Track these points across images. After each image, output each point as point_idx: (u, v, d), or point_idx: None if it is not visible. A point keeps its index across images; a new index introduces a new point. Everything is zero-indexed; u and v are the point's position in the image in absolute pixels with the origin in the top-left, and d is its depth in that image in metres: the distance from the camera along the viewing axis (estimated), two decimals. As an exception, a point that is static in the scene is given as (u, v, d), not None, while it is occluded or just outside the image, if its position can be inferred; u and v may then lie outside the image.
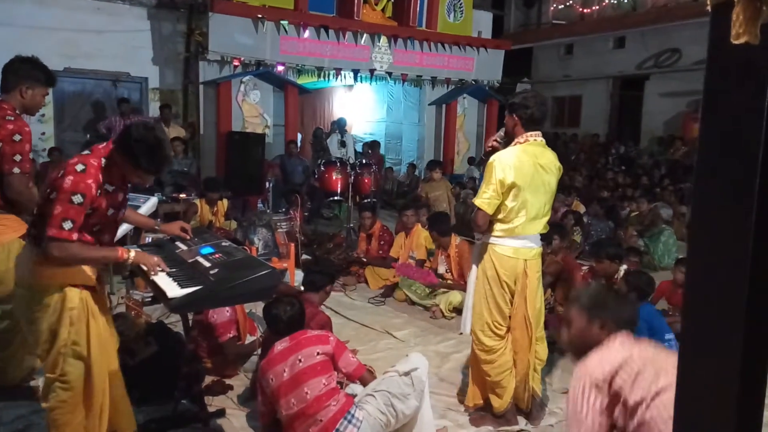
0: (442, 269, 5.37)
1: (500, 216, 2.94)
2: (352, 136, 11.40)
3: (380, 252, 6.12)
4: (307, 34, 9.45)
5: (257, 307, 4.09)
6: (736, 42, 0.53)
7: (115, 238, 3.73)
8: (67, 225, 2.17)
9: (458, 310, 4.97)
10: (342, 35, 9.86)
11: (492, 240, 2.99)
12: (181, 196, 6.32)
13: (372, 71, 10.38)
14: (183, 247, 2.82)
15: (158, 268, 2.42)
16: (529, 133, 2.97)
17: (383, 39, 10.31)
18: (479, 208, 2.91)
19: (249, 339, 3.80)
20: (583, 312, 1.87)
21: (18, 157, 2.85)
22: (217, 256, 2.63)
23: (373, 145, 10.67)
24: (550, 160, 3.02)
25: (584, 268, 6.36)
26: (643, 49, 14.36)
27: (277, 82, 9.36)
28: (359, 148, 11.17)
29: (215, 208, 6.31)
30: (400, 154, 12.50)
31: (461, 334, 4.51)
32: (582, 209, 7.86)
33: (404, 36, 10.54)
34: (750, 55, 0.53)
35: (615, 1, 14.61)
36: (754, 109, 0.53)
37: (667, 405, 1.54)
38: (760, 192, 0.54)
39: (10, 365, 3.19)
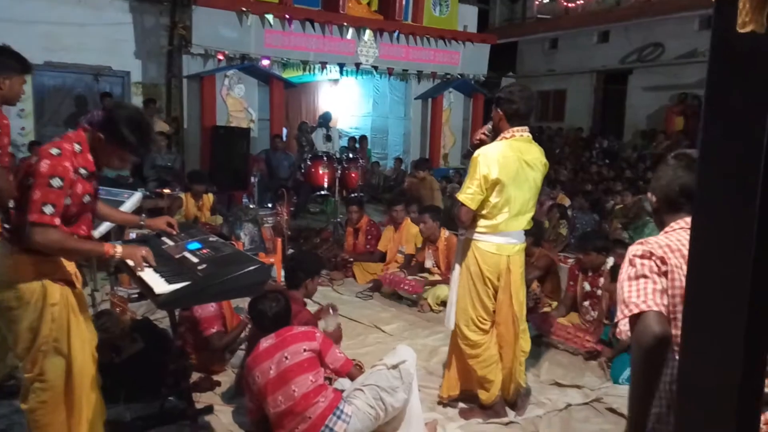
0: (429, 263, 5.38)
1: (483, 212, 2.92)
2: (337, 130, 11.37)
3: (368, 246, 6.10)
4: (292, 27, 9.38)
5: (245, 303, 4.06)
6: (742, 31, 0.52)
7: (98, 234, 3.71)
8: (48, 209, 2.13)
9: (445, 304, 4.97)
10: (327, 29, 9.81)
11: (475, 236, 2.98)
12: (165, 191, 6.24)
13: (358, 65, 10.34)
14: (169, 242, 2.78)
15: (145, 264, 2.37)
16: (515, 129, 2.94)
17: (369, 33, 10.27)
18: (463, 204, 2.88)
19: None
20: None
21: None
22: (204, 251, 2.59)
23: (362, 139, 10.68)
24: (536, 156, 3.01)
25: (570, 260, 6.44)
26: (626, 44, 14.46)
27: (261, 76, 9.29)
28: (344, 143, 11.15)
29: (200, 202, 6.24)
30: (386, 149, 12.49)
31: (450, 327, 4.55)
32: (567, 202, 7.91)
33: (390, 30, 10.51)
34: (756, 43, 0.52)
35: (599, -4, 14.70)
36: (760, 98, 0.53)
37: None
38: (765, 179, 0.54)
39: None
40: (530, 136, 3.03)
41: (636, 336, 1.42)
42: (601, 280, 4.22)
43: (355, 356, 3.53)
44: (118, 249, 2.36)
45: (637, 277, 1.49)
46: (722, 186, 0.58)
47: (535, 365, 3.91)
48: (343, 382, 2.98)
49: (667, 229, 1.62)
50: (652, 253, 1.51)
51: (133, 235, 4.69)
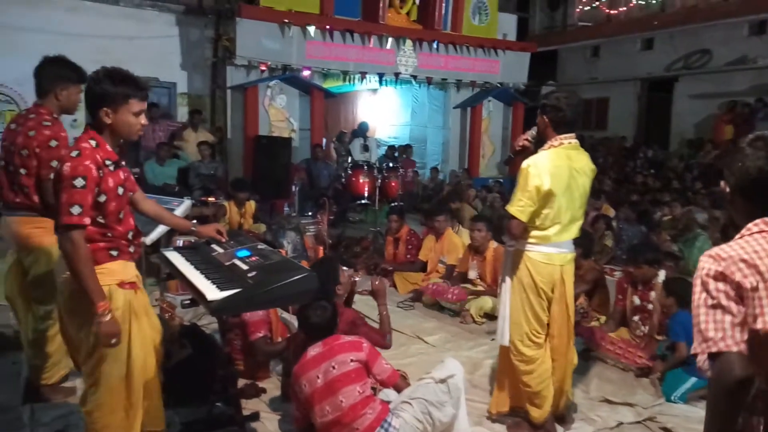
0: (473, 274, 5.30)
1: (536, 223, 2.84)
2: (375, 139, 11.40)
3: (408, 256, 6.07)
4: (332, 38, 9.48)
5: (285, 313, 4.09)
6: None
7: (150, 241, 3.79)
8: (76, 210, 2.12)
9: (489, 316, 4.92)
10: (367, 39, 9.88)
11: (527, 247, 2.89)
12: (210, 199, 6.37)
13: (397, 75, 10.37)
14: (219, 249, 2.81)
15: (112, 341, 2.20)
16: (562, 136, 2.87)
17: (408, 42, 10.30)
18: (514, 217, 2.80)
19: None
20: None
21: (55, 163, 2.85)
22: (253, 259, 2.61)
23: (407, 148, 10.62)
24: (585, 162, 2.94)
25: (616, 273, 6.26)
26: (672, 51, 14.10)
27: (303, 87, 9.41)
28: (383, 152, 11.17)
29: (243, 210, 6.33)
30: (425, 158, 12.44)
31: (493, 339, 4.46)
32: (612, 213, 7.72)
33: (429, 39, 10.52)
34: None
35: (643, 2, 14.39)
36: None
37: None
38: None
39: (48, 366, 3.22)
40: (578, 142, 2.96)
41: (716, 376, 1.36)
42: (652, 293, 4.08)
43: (398, 367, 3.48)
44: (107, 317, 2.16)
45: (713, 307, 1.38)
46: None
47: (583, 381, 3.80)
48: (388, 393, 2.95)
49: (743, 232, 1.47)
50: (726, 276, 1.38)
51: (179, 242, 4.80)
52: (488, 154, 11.92)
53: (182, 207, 3.96)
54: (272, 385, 3.57)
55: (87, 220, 2.17)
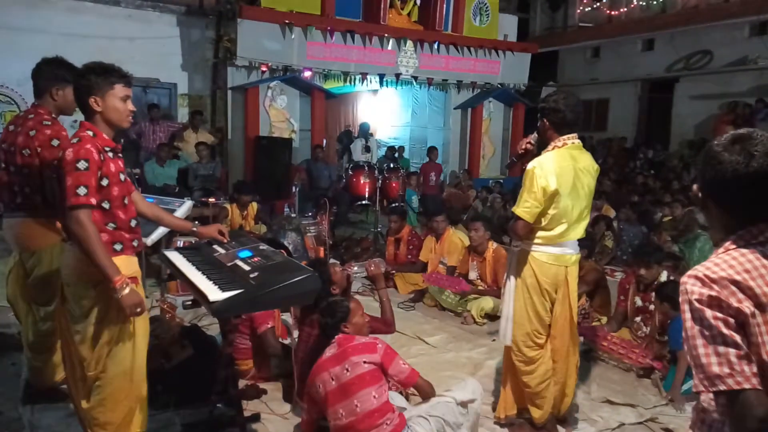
0: (473, 275, 5.30)
1: (542, 224, 2.84)
2: (376, 140, 11.40)
3: (409, 257, 6.07)
4: (333, 39, 9.48)
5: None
6: None
7: (151, 242, 3.78)
8: (82, 191, 2.18)
9: (490, 316, 4.91)
10: (368, 40, 9.87)
11: (532, 248, 2.89)
12: (211, 200, 6.35)
13: (398, 75, 10.37)
14: (221, 250, 2.81)
15: (137, 310, 2.28)
16: (565, 137, 2.87)
17: (409, 43, 10.30)
18: (520, 218, 2.79)
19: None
20: None
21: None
22: (256, 259, 2.61)
23: (430, 150, 10.27)
24: (588, 162, 2.94)
25: (617, 273, 6.25)
26: (672, 51, 14.10)
27: (303, 87, 9.40)
28: (383, 152, 11.16)
29: (246, 212, 6.33)
30: (425, 159, 12.44)
31: (494, 340, 4.48)
32: (612, 214, 7.71)
33: (430, 40, 10.51)
34: None
35: (643, 3, 14.39)
36: None
37: None
38: None
39: (48, 368, 3.21)
40: (580, 143, 2.96)
41: (737, 419, 1.22)
42: (653, 294, 4.07)
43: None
44: (126, 289, 2.23)
45: (712, 338, 1.21)
46: None
47: (585, 381, 3.79)
48: (395, 398, 2.87)
49: (728, 245, 1.30)
50: (720, 301, 1.22)
51: (180, 242, 4.80)
52: (489, 155, 11.92)
53: (183, 208, 3.96)
54: (273, 387, 3.56)
55: (93, 201, 2.22)
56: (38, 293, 3.06)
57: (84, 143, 2.25)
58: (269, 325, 3.48)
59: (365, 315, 3.10)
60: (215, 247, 2.86)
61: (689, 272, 1.29)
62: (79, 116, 2.47)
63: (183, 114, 9.55)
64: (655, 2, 14.19)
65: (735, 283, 1.23)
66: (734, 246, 1.29)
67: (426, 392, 2.81)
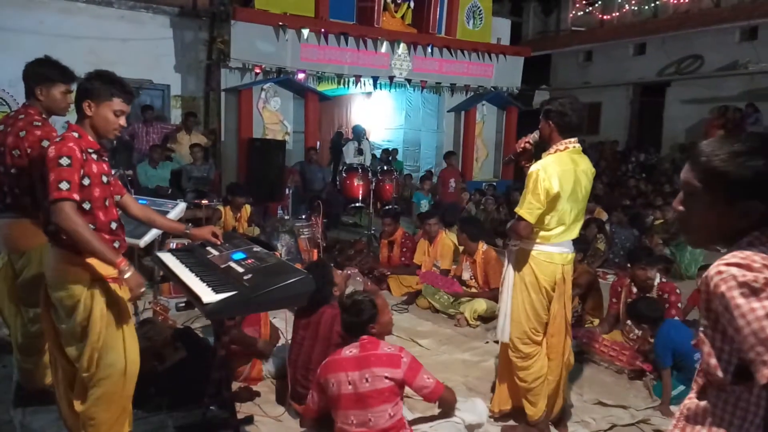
0: (466, 275, 5.32)
1: (543, 224, 2.90)
2: (369, 142, 11.41)
3: (402, 259, 6.07)
4: (327, 41, 9.48)
5: (280, 315, 4.08)
6: None
7: (144, 244, 3.77)
8: (64, 185, 2.19)
9: (483, 318, 4.93)
10: (362, 42, 9.89)
11: (532, 246, 2.95)
12: (204, 202, 6.34)
13: (391, 78, 10.39)
14: (214, 252, 2.80)
15: (141, 290, 2.34)
16: (567, 140, 2.93)
17: (403, 46, 10.32)
18: (522, 218, 2.84)
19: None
20: None
21: None
22: (249, 261, 2.61)
23: (449, 155, 9.65)
24: (587, 165, 3.01)
25: (609, 276, 6.29)
26: (664, 56, 14.22)
27: (297, 89, 9.40)
28: (377, 155, 11.15)
29: (239, 214, 6.32)
30: (419, 161, 12.47)
31: (487, 342, 4.50)
32: (604, 217, 7.76)
33: (424, 43, 10.54)
34: None
35: (635, 8, 14.50)
36: None
37: None
38: None
39: (39, 370, 3.19)
40: (580, 147, 3.02)
41: None
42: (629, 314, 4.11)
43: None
44: (129, 271, 2.27)
45: None
46: None
47: (577, 383, 3.82)
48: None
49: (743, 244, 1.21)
50: None
51: (173, 244, 4.78)
52: (482, 157, 11.96)
53: (177, 210, 3.94)
54: (266, 389, 3.56)
55: (76, 196, 2.22)
56: (27, 294, 3.03)
57: (67, 141, 2.27)
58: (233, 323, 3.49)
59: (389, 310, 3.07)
60: (208, 249, 2.85)
61: (723, 261, 1.19)
62: (72, 117, 2.47)
63: (176, 115, 9.51)
64: (646, 7, 14.32)
65: None
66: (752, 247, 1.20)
67: (449, 404, 2.80)
